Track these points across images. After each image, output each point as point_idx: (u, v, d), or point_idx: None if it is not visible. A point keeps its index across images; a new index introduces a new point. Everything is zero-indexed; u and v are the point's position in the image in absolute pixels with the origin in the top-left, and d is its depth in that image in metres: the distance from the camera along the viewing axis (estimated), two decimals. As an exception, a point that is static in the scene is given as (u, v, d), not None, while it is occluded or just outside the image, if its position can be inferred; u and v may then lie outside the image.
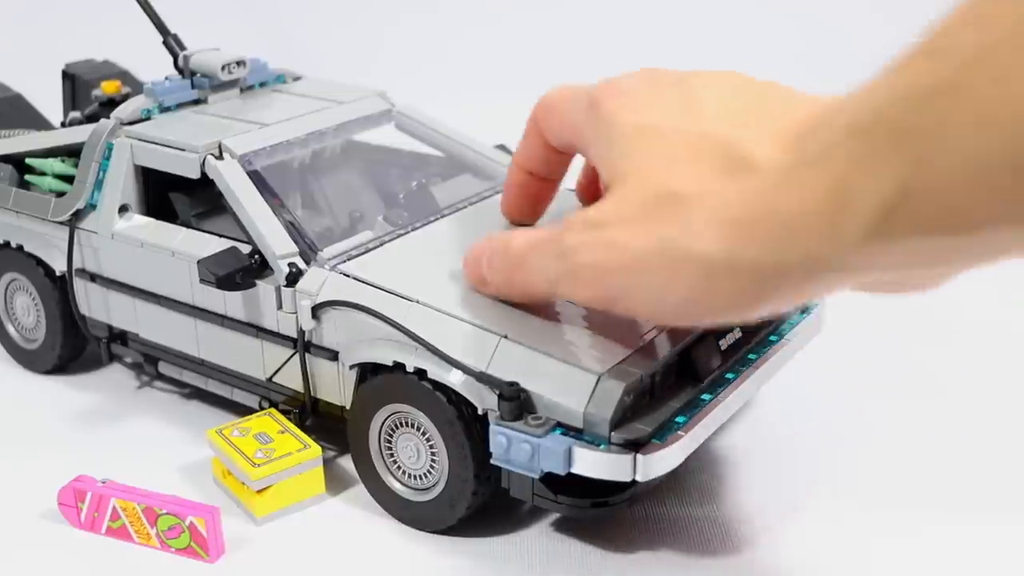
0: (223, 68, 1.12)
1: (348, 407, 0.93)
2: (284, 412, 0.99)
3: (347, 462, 1.00)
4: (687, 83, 0.75)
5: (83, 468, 0.94)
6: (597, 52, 2.15)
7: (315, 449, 0.94)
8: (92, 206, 1.07)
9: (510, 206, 0.97)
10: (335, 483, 0.98)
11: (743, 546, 0.88)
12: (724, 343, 0.89)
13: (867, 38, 2.13)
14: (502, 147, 1.21)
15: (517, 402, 0.80)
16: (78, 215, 1.08)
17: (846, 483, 0.97)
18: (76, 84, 1.32)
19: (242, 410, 1.05)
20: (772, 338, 0.94)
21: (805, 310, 1.00)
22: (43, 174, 1.13)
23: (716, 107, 0.71)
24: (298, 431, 0.96)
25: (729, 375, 0.88)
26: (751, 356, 0.91)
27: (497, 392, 0.81)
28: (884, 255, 0.55)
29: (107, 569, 0.88)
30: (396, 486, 0.91)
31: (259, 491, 0.91)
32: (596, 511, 0.83)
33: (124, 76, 1.33)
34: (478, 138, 1.20)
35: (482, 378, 0.82)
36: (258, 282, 0.94)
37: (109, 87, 1.22)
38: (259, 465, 0.91)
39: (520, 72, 2.11)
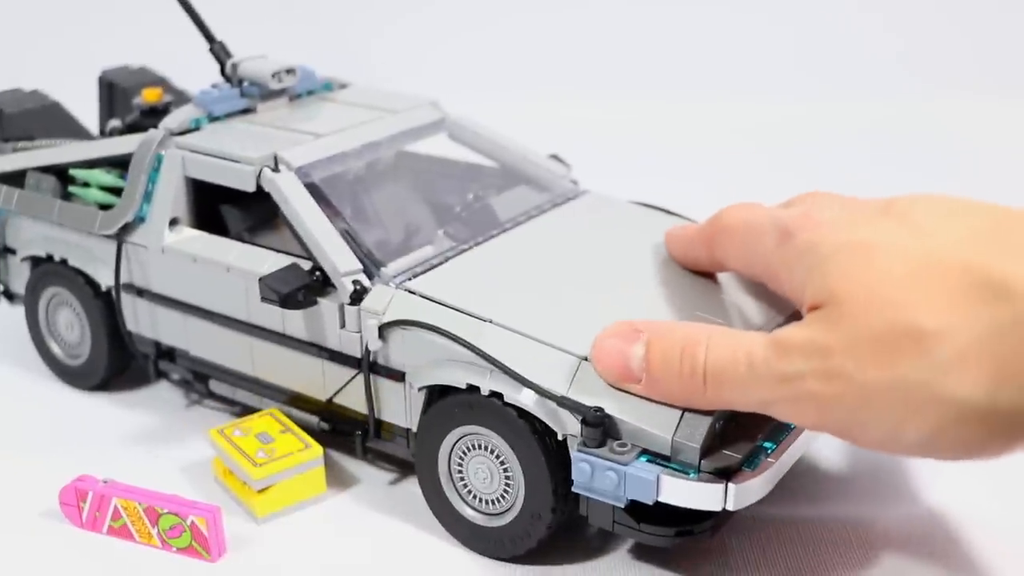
0: (273, 76, 1.08)
1: (415, 429, 0.90)
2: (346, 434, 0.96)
3: (348, 462, 0.99)
4: (897, 206, 0.70)
5: (84, 468, 0.94)
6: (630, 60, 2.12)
7: (316, 449, 0.93)
8: (141, 219, 1.04)
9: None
10: (336, 483, 0.97)
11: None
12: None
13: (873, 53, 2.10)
14: (555, 157, 1.17)
15: (602, 428, 0.77)
16: (126, 228, 1.04)
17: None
18: (114, 92, 1.29)
19: (243, 410, 1.04)
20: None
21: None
22: (87, 185, 1.10)
23: (949, 230, 0.65)
24: (299, 431, 0.95)
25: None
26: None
27: (580, 417, 0.78)
28: None
29: (108, 569, 0.87)
30: (467, 511, 0.88)
31: (260, 491, 0.91)
32: (680, 540, 0.80)
33: (163, 83, 1.29)
34: (530, 146, 1.17)
35: (563, 402, 0.79)
36: (320, 300, 0.91)
37: (151, 95, 1.19)
38: (260, 465, 0.91)
39: (569, 75, 2.08)
